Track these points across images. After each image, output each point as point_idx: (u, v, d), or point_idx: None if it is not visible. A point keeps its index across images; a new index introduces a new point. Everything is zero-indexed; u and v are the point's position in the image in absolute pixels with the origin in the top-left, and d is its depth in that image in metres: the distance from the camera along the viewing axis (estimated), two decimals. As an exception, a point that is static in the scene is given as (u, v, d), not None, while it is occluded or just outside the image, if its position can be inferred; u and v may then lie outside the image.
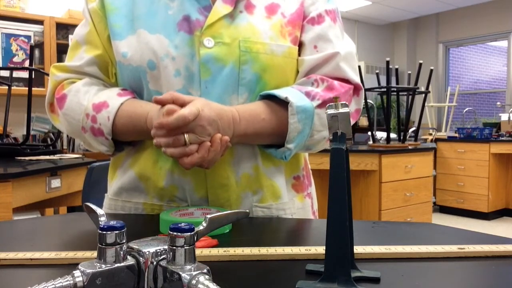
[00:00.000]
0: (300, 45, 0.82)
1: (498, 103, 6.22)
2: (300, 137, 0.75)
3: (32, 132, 3.25)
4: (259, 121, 0.74)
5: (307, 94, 0.76)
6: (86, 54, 0.82)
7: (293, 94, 0.75)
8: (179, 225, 0.38)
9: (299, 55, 0.82)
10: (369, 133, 3.58)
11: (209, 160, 0.68)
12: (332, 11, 0.84)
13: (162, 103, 0.67)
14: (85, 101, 0.77)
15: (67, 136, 3.97)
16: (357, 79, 0.82)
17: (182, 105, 0.67)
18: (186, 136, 0.66)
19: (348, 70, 0.81)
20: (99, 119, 0.75)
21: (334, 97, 0.45)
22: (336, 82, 0.79)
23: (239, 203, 0.78)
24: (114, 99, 0.76)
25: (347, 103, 0.74)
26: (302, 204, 0.86)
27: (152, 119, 0.70)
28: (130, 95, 0.78)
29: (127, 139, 0.79)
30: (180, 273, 0.36)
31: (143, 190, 0.79)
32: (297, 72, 0.82)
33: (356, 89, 0.82)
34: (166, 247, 0.39)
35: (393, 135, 3.76)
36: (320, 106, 0.76)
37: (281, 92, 0.75)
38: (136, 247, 0.39)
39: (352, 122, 0.82)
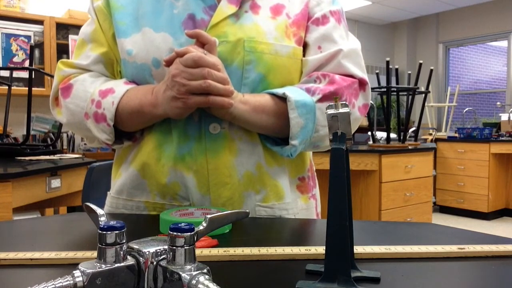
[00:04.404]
0: (305, 45, 0.82)
1: (498, 103, 6.22)
2: (304, 133, 0.75)
3: (32, 132, 3.25)
4: (262, 95, 0.76)
5: (307, 90, 0.77)
6: (92, 52, 0.83)
7: (292, 90, 0.75)
8: (179, 225, 0.38)
9: (303, 55, 0.82)
10: (369, 133, 3.58)
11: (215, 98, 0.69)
12: (336, 12, 0.85)
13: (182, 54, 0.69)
14: (92, 88, 0.79)
15: (67, 136, 3.97)
16: (361, 74, 0.82)
17: (205, 42, 0.71)
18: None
19: (351, 66, 0.81)
20: (104, 104, 0.76)
21: (334, 97, 0.45)
22: (337, 76, 0.79)
23: (242, 202, 0.78)
24: (120, 86, 0.78)
25: (341, 94, 0.74)
26: (307, 205, 0.86)
27: (159, 90, 0.72)
28: (135, 85, 0.79)
29: (128, 125, 0.79)
30: (180, 273, 0.36)
31: (146, 188, 0.79)
32: (302, 72, 0.82)
33: (361, 84, 0.82)
34: (166, 247, 0.39)
35: (393, 135, 3.76)
36: (320, 100, 0.76)
37: (278, 90, 0.76)
38: (136, 247, 0.39)
39: (362, 116, 0.83)
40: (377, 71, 3.79)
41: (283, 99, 0.75)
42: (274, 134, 0.79)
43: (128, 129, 0.80)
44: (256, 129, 0.78)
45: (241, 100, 0.73)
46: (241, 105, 0.73)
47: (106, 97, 0.76)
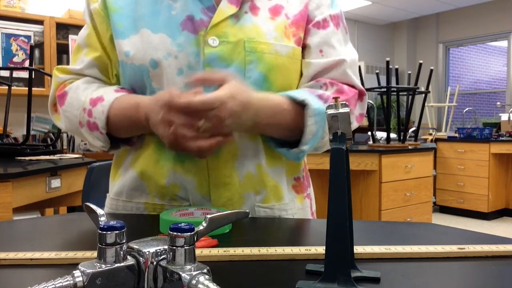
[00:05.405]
0: (305, 47, 0.83)
1: (498, 103, 6.22)
2: (314, 139, 0.76)
3: (32, 132, 3.25)
4: (281, 111, 0.75)
5: (320, 97, 0.77)
6: (86, 57, 0.83)
7: (310, 97, 0.75)
8: (179, 225, 0.38)
9: (303, 57, 0.83)
10: (369, 133, 3.58)
11: (211, 151, 0.68)
12: (335, 16, 0.86)
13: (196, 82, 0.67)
14: (83, 96, 0.79)
15: (67, 136, 3.97)
16: (360, 85, 0.85)
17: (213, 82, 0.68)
18: (202, 121, 0.66)
19: (354, 77, 0.83)
20: (94, 113, 0.76)
21: (334, 97, 0.45)
22: (345, 86, 0.81)
23: (242, 203, 0.78)
24: (110, 94, 0.77)
25: (347, 103, 0.75)
26: (302, 205, 0.86)
27: (145, 107, 0.71)
28: (126, 92, 0.79)
29: (121, 133, 0.79)
30: (180, 273, 0.36)
31: (145, 189, 0.79)
32: (301, 73, 0.83)
33: (360, 94, 0.84)
34: (166, 247, 0.39)
35: (393, 135, 3.76)
36: None
37: (297, 94, 0.75)
38: (136, 247, 0.39)
39: (357, 125, 0.85)
40: (377, 71, 3.79)
41: (297, 105, 0.75)
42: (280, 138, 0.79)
43: (123, 135, 0.80)
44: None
45: (257, 124, 0.73)
46: (257, 129, 0.74)
47: (96, 106, 0.76)
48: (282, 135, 0.78)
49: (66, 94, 0.81)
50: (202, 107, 0.64)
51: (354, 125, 0.83)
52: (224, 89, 0.67)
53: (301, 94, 0.76)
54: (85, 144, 3.91)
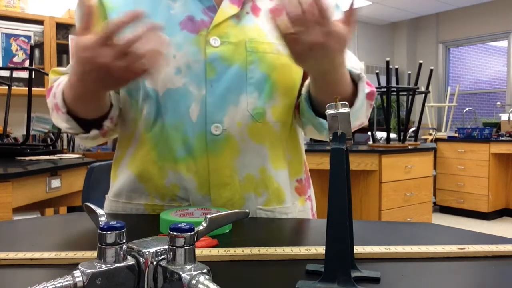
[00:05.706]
0: None
1: (498, 103, 6.22)
2: (356, 115, 0.76)
3: (32, 132, 3.24)
4: (345, 80, 0.74)
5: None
6: None
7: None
8: (179, 225, 0.38)
9: None
10: (369, 133, 3.58)
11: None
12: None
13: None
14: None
15: (67, 136, 3.97)
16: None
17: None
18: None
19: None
20: (57, 93, 0.76)
21: (335, 97, 0.45)
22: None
23: (242, 204, 0.78)
24: (68, 75, 0.75)
25: (372, 95, 0.75)
26: (303, 207, 0.86)
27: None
28: None
29: (79, 110, 0.74)
30: (180, 273, 0.36)
31: (144, 191, 0.79)
32: (303, 72, 0.82)
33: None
34: (166, 247, 0.39)
35: (393, 135, 3.76)
36: (367, 95, 0.77)
37: (353, 69, 0.75)
38: (136, 247, 0.39)
39: (366, 121, 0.85)
40: (377, 71, 3.79)
41: (354, 76, 0.75)
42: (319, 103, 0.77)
43: (84, 114, 0.75)
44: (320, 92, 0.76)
45: (321, 73, 0.71)
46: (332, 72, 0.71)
47: (58, 87, 0.76)
48: (336, 92, 0.75)
49: (52, 87, 0.82)
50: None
51: (365, 121, 0.84)
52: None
53: (356, 70, 0.76)
54: (85, 144, 3.91)
